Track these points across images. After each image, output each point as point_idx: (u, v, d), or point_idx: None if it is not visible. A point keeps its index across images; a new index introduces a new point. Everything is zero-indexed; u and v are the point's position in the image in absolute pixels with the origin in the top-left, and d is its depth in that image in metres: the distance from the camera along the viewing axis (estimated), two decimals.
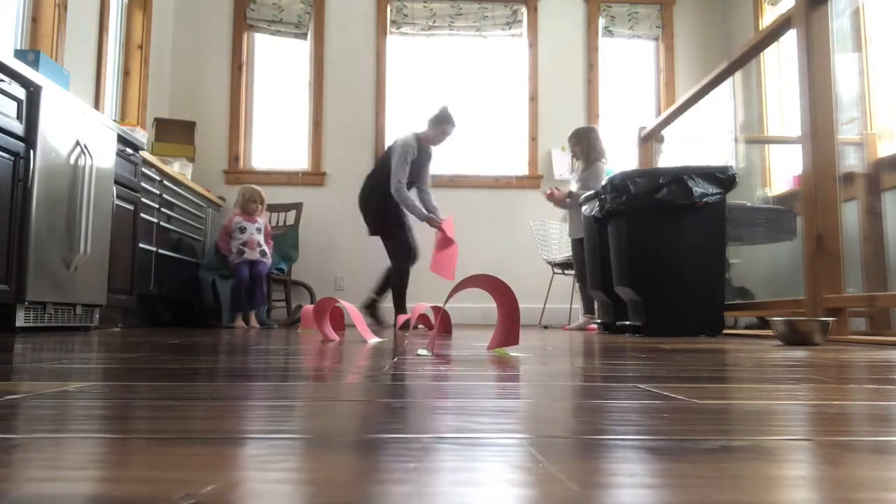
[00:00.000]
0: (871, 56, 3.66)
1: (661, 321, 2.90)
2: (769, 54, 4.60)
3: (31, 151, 2.50)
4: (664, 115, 4.38)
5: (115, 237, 3.15)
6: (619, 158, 5.27)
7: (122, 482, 0.35)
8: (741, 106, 5.02)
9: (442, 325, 2.66)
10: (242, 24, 5.38)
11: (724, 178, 2.93)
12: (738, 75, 4.03)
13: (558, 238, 4.95)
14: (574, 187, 4.08)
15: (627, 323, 3.10)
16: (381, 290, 4.33)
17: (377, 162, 4.33)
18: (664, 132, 4.60)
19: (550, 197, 4.09)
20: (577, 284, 4.13)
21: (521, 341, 2.04)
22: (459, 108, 5.53)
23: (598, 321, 3.70)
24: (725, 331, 3.12)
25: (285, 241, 4.80)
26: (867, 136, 3.56)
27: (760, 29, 4.63)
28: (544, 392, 0.76)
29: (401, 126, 5.45)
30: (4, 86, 2.36)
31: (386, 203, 4.08)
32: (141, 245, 3.58)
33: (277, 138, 5.47)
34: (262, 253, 4.27)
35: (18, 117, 2.46)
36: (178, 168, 4.46)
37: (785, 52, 4.37)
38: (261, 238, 4.29)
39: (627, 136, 5.04)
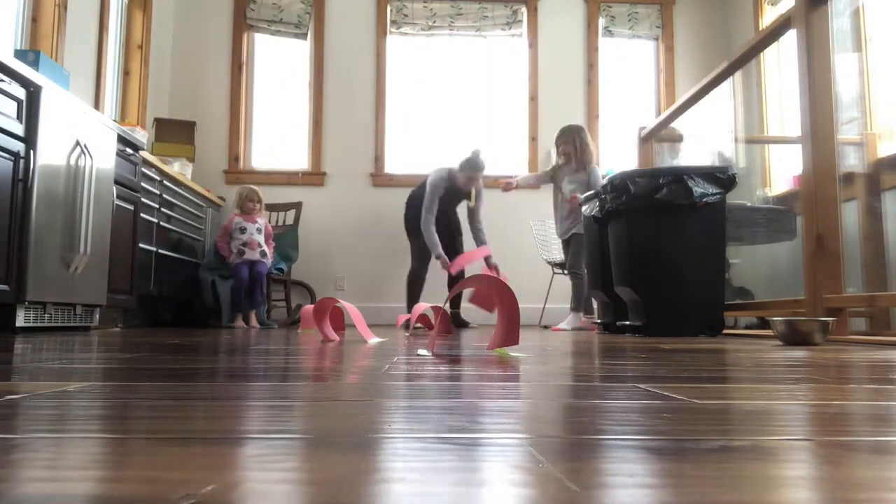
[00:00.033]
0: (871, 56, 3.66)
1: (661, 321, 2.90)
2: (769, 54, 4.60)
3: (31, 151, 2.50)
4: (664, 115, 4.38)
5: (115, 237, 3.15)
6: (620, 158, 5.28)
7: (122, 482, 0.35)
8: (741, 106, 5.02)
9: (442, 325, 2.66)
10: (242, 24, 5.38)
11: (724, 178, 2.93)
12: (738, 75, 4.03)
13: (558, 238, 4.95)
14: (568, 189, 4.06)
15: (627, 323, 3.10)
16: (454, 302, 4.52)
17: (416, 189, 4.56)
18: (682, 130, 4.60)
19: (573, 205, 4.02)
20: (572, 278, 4.09)
21: (521, 341, 2.04)
22: (459, 108, 5.56)
23: (598, 320, 3.69)
24: (725, 331, 3.12)
25: (285, 241, 4.80)
26: (867, 136, 3.56)
27: (760, 29, 4.63)
28: (544, 392, 0.76)
29: (401, 126, 5.46)
30: (4, 86, 2.36)
31: (419, 215, 4.37)
32: (141, 245, 3.58)
33: (277, 138, 5.47)
34: (263, 253, 4.27)
35: (18, 117, 2.46)
36: (178, 168, 4.46)
37: (785, 52, 4.37)
38: (261, 238, 4.29)
39: (627, 136, 5.03)
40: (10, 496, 0.31)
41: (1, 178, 2.36)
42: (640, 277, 2.97)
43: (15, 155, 2.43)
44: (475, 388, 0.80)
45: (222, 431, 0.50)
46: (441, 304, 1.78)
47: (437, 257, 4.22)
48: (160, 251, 3.89)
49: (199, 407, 0.63)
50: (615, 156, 5.39)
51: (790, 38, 2.78)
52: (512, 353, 1.44)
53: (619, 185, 2.97)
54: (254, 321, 4.17)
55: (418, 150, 5.47)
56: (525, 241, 5.03)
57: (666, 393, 0.76)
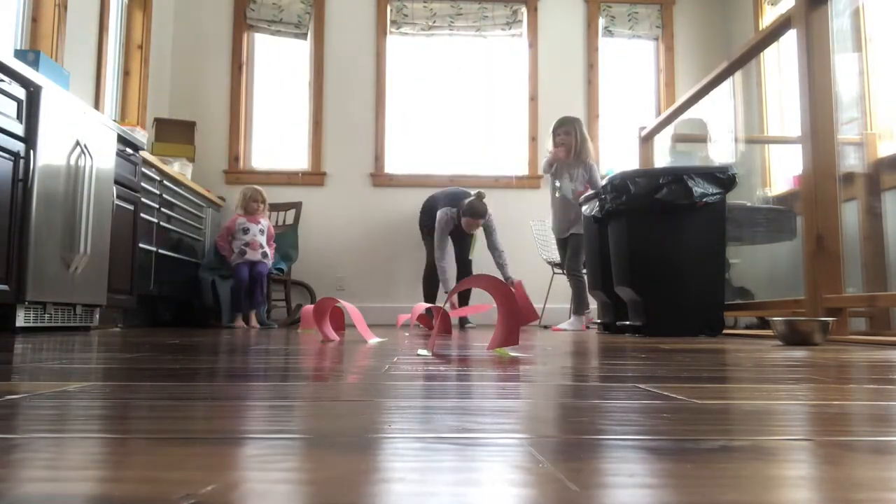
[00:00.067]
0: (871, 56, 3.66)
1: (661, 321, 2.90)
2: (769, 54, 4.60)
3: (31, 151, 2.50)
4: (664, 115, 4.38)
5: (115, 237, 3.15)
6: (620, 158, 5.28)
7: (122, 482, 0.35)
8: (741, 106, 5.02)
9: (442, 325, 2.66)
10: (242, 24, 5.38)
11: (724, 178, 2.93)
12: (738, 75, 4.03)
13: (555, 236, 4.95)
14: (568, 185, 4.02)
15: (627, 323, 3.10)
16: (460, 303, 4.65)
17: (429, 199, 4.70)
18: (709, 127, 4.61)
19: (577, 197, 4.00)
20: (571, 281, 4.08)
21: (521, 341, 2.04)
22: (459, 108, 5.56)
23: (598, 321, 3.69)
24: (725, 331, 3.12)
25: (285, 241, 4.80)
26: (867, 136, 3.56)
27: (760, 29, 4.63)
28: (544, 392, 0.76)
29: (401, 126, 5.46)
30: (4, 86, 2.36)
31: (433, 219, 4.54)
32: (141, 245, 3.58)
33: (277, 138, 5.47)
34: (264, 254, 4.27)
35: (18, 117, 2.46)
36: (178, 168, 4.46)
37: (785, 52, 4.37)
38: (263, 239, 4.29)
39: (627, 136, 5.03)
40: (10, 496, 0.31)
41: (1, 178, 2.36)
42: (640, 277, 2.97)
43: (15, 155, 2.43)
44: (475, 388, 0.80)
45: (222, 431, 0.50)
46: (441, 305, 1.78)
47: (446, 292, 4.32)
48: (160, 251, 3.89)
49: (199, 407, 0.63)
50: (615, 156, 5.39)
51: (790, 38, 2.78)
52: (512, 353, 1.44)
53: (619, 185, 2.97)
54: (254, 321, 4.17)
55: (418, 150, 5.47)
56: (525, 241, 5.03)
57: (666, 393, 0.76)
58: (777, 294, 3.84)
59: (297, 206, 5.07)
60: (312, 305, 2.47)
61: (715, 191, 2.90)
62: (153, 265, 3.80)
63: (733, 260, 4.31)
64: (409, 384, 0.83)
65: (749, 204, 4.12)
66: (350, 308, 2.12)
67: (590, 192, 3.78)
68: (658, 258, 2.94)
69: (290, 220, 5.06)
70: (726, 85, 3.80)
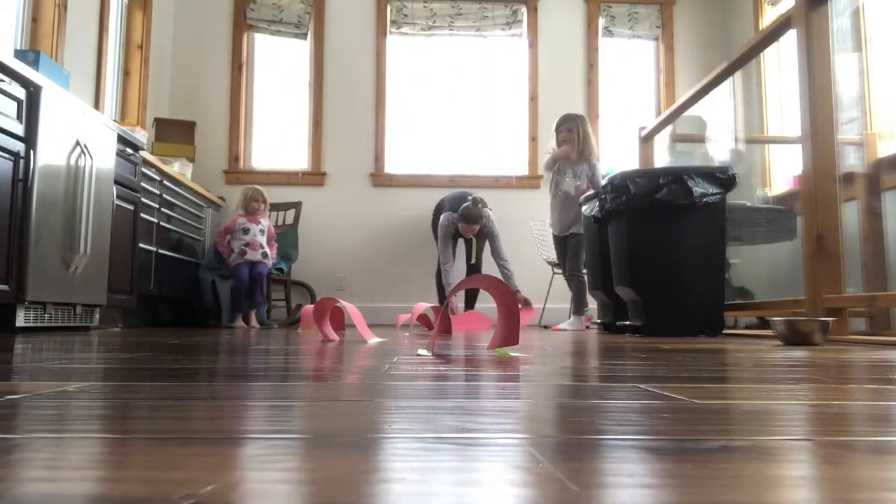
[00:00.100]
0: (871, 56, 3.66)
1: (661, 321, 2.90)
2: (769, 54, 4.60)
3: (31, 151, 2.50)
4: (664, 115, 4.38)
5: (115, 237, 3.15)
6: (620, 158, 5.28)
7: (122, 482, 0.35)
8: (741, 106, 5.02)
9: (442, 325, 2.66)
10: (242, 24, 5.38)
11: (724, 178, 2.93)
12: (738, 75, 4.03)
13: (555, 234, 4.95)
14: (571, 183, 4.01)
15: (627, 323, 3.10)
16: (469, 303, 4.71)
17: (438, 206, 4.79)
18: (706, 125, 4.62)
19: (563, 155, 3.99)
20: (571, 282, 4.08)
21: (521, 341, 2.04)
22: (459, 108, 5.56)
23: (598, 321, 3.69)
24: (725, 331, 3.12)
25: (285, 241, 4.80)
26: (867, 136, 3.56)
27: (760, 29, 4.63)
28: (544, 392, 0.76)
29: (401, 126, 5.46)
30: (4, 86, 2.36)
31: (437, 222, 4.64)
32: (141, 245, 3.58)
33: (277, 138, 5.47)
34: (264, 255, 4.27)
35: (18, 117, 2.46)
36: (178, 168, 4.46)
37: (785, 52, 4.37)
38: (263, 240, 4.29)
39: (627, 136, 5.03)
40: (10, 496, 0.31)
41: (1, 178, 2.36)
42: (640, 277, 2.97)
43: (15, 155, 2.43)
44: (475, 388, 0.80)
45: (222, 431, 0.50)
46: (441, 305, 1.78)
47: (447, 294, 4.38)
48: (160, 251, 3.89)
49: (199, 407, 0.63)
50: (615, 156, 5.39)
51: (790, 38, 2.78)
52: (512, 353, 1.44)
53: (619, 185, 2.97)
54: (254, 321, 4.17)
55: (418, 150, 5.47)
56: (525, 241, 5.03)
57: (666, 393, 0.76)
58: (777, 294, 3.84)
59: (297, 206, 5.07)
60: (312, 305, 2.47)
61: (715, 191, 2.90)
62: (153, 265, 3.80)
63: (733, 260, 4.32)
64: (409, 384, 0.83)
65: (749, 204, 4.12)
66: (350, 308, 2.12)
67: (591, 191, 3.79)
68: (658, 258, 2.94)
69: (290, 220, 5.06)
70: (726, 85, 3.80)
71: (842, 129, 3.33)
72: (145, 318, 4.03)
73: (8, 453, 0.41)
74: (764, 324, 3.62)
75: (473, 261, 4.63)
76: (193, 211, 4.47)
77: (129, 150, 3.37)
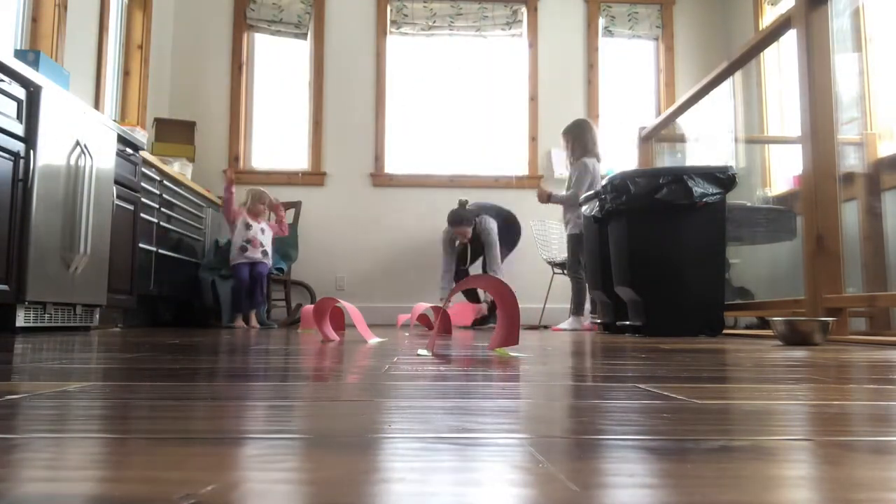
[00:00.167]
0: (871, 56, 3.66)
1: (661, 321, 2.90)
2: (769, 54, 4.59)
3: (31, 151, 2.50)
4: (664, 115, 4.38)
5: (115, 237, 3.15)
6: (620, 158, 5.28)
7: (122, 482, 0.35)
8: (741, 106, 5.02)
9: (442, 325, 2.66)
10: (242, 24, 5.38)
11: (724, 178, 2.93)
12: (738, 75, 4.03)
13: (558, 238, 4.95)
14: (565, 187, 4.08)
15: (627, 323, 3.10)
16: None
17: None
18: (685, 130, 4.62)
19: (538, 192, 4.11)
20: (571, 281, 4.10)
21: (521, 341, 2.04)
22: (459, 108, 5.56)
23: (598, 321, 3.69)
24: (725, 331, 3.12)
25: (285, 241, 4.80)
26: (867, 136, 3.56)
27: (760, 29, 4.63)
28: (544, 392, 0.76)
29: (401, 126, 5.46)
30: (4, 86, 2.36)
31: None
32: (141, 245, 3.58)
33: (277, 138, 5.47)
34: (264, 253, 4.28)
35: (18, 117, 2.46)
36: (178, 168, 4.46)
37: (785, 52, 4.37)
38: (264, 239, 4.30)
39: (627, 136, 5.04)
40: (10, 496, 0.31)
41: (1, 178, 2.36)
42: (640, 277, 2.97)
43: (15, 155, 2.43)
44: (475, 388, 0.80)
45: (222, 431, 0.50)
46: (441, 305, 1.78)
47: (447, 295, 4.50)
48: (160, 251, 3.89)
49: (199, 407, 0.63)
50: (615, 156, 5.39)
51: (790, 38, 2.78)
52: (512, 353, 1.44)
53: (619, 185, 2.97)
54: (254, 321, 4.17)
55: (418, 150, 5.47)
56: (525, 241, 5.03)
57: (666, 393, 0.76)
58: (777, 294, 3.84)
59: (297, 205, 5.07)
60: (312, 305, 2.47)
61: (715, 191, 2.90)
62: (153, 265, 3.80)
63: (733, 260, 4.32)
64: (409, 384, 0.83)
65: (749, 204, 4.12)
66: (350, 308, 2.12)
67: (556, 193, 4.02)
68: (658, 258, 2.94)
69: (290, 220, 5.06)
70: (726, 85, 3.80)
71: (842, 129, 3.33)
72: (145, 318, 4.03)
73: (8, 453, 0.41)
74: (764, 324, 3.62)
75: (465, 265, 4.65)
76: (193, 211, 4.47)
77: (129, 150, 3.37)
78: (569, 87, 5.48)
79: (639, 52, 5.73)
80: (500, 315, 1.48)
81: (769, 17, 4.91)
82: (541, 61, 5.49)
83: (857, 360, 1.39)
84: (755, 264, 4.55)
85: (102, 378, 0.88)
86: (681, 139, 4.78)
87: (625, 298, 3.14)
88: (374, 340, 2.05)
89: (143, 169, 3.61)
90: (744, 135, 4.99)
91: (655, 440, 0.47)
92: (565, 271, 4.45)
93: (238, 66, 5.35)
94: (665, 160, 4.67)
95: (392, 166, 5.39)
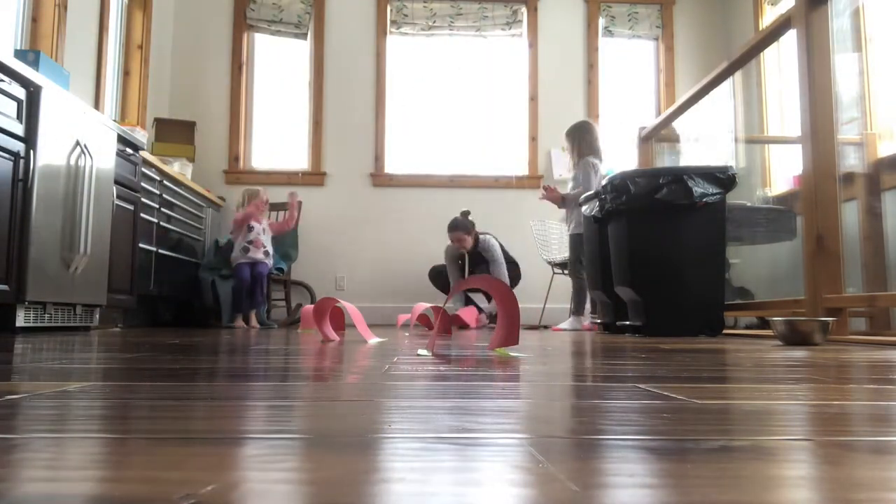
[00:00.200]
0: (871, 56, 3.66)
1: (661, 321, 2.90)
2: (769, 54, 4.59)
3: (31, 151, 2.50)
4: (664, 115, 4.38)
5: (115, 237, 3.15)
6: (620, 158, 5.28)
7: (122, 482, 0.35)
8: (741, 106, 5.02)
9: (442, 325, 2.66)
10: (242, 24, 5.38)
11: (724, 178, 2.93)
12: (738, 75, 4.03)
13: (558, 238, 4.95)
14: (570, 186, 4.09)
15: (627, 323, 3.10)
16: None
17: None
18: (682, 130, 4.63)
19: (547, 196, 4.09)
20: (572, 281, 4.11)
21: (521, 341, 2.04)
22: (459, 108, 5.56)
23: (598, 321, 3.69)
24: (725, 331, 3.12)
25: (285, 241, 4.80)
26: (867, 136, 3.56)
27: (760, 29, 4.63)
28: (544, 392, 0.76)
29: (401, 126, 5.46)
30: (4, 86, 2.36)
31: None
32: (141, 245, 3.58)
33: (277, 138, 5.47)
34: (266, 253, 4.28)
35: (18, 117, 2.46)
36: (178, 168, 4.46)
37: (785, 52, 4.37)
38: (265, 239, 4.30)
39: (627, 136, 5.04)
40: (10, 496, 0.31)
41: (1, 178, 2.36)
42: (640, 277, 2.97)
43: (15, 155, 2.43)
44: (475, 388, 0.80)
45: (222, 431, 0.50)
46: (441, 305, 1.78)
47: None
48: (160, 251, 3.89)
49: (199, 407, 0.63)
50: (615, 156, 5.39)
51: (790, 38, 2.78)
52: (512, 353, 1.44)
53: (619, 185, 2.97)
54: (254, 321, 4.17)
55: (418, 150, 5.47)
56: (525, 241, 5.03)
57: (666, 393, 0.76)
58: (777, 294, 3.84)
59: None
60: (312, 305, 2.47)
61: (715, 191, 2.90)
62: (153, 265, 3.80)
63: (733, 260, 4.31)
64: (409, 384, 0.83)
65: (749, 204, 4.12)
66: (350, 308, 2.12)
67: (561, 190, 4.01)
68: (658, 258, 2.94)
69: None
70: (726, 85, 3.80)
71: (842, 129, 3.33)
72: (145, 318, 4.03)
73: (8, 453, 0.41)
74: (764, 324, 3.62)
75: (464, 277, 4.69)
76: (193, 211, 4.47)
77: (129, 150, 3.37)
78: (569, 87, 5.48)
79: (639, 52, 5.73)
80: (500, 315, 1.48)
81: (769, 17, 4.91)
82: (541, 61, 5.49)
83: (857, 360, 1.39)
84: (755, 264, 4.55)
85: (102, 378, 0.88)
86: (679, 139, 4.78)
87: (625, 298, 3.14)
88: (374, 340, 2.05)
89: (143, 169, 3.61)
90: (744, 135, 4.99)
91: (655, 440, 0.47)
92: (566, 271, 4.46)
93: (238, 66, 5.35)
94: (665, 160, 4.67)
95: (392, 166, 5.39)
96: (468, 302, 4.73)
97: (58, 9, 3.60)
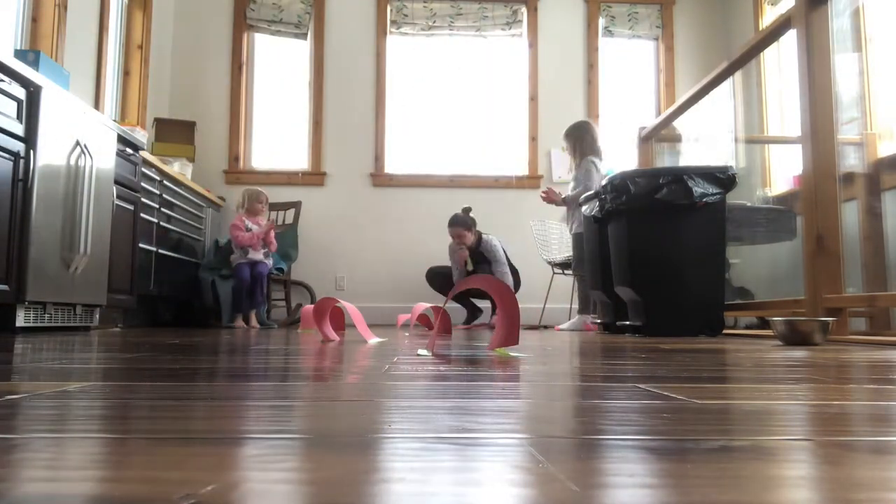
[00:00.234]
0: (871, 56, 3.66)
1: (661, 321, 2.90)
2: (769, 54, 4.59)
3: (31, 151, 2.50)
4: (664, 115, 4.38)
5: (115, 237, 3.15)
6: (620, 158, 5.28)
7: (122, 482, 0.35)
8: (741, 106, 5.02)
9: (442, 325, 2.66)
10: (242, 24, 5.38)
11: (724, 178, 2.93)
12: (738, 75, 4.03)
13: (558, 238, 4.95)
14: (570, 186, 4.09)
15: (627, 323, 3.10)
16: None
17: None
18: (684, 130, 4.63)
19: (547, 199, 4.10)
20: (575, 281, 4.12)
21: (521, 341, 2.04)
22: (459, 108, 5.56)
23: (598, 321, 3.69)
24: (725, 331, 3.12)
25: (285, 241, 4.80)
26: (867, 136, 3.56)
27: (760, 29, 4.63)
28: (544, 392, 0.76)
29: (401, 126, 5.46)
30: (4, 86, 2.36)
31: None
32: (141, 245, 3.58)
33: (277, 138, 5.48)
34: (266, 254, 4.28)
35: (18, 117, 2.46)
36: (178, 168, 4.46)
37: (785, 52, 4.37)
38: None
39: (627, 136, 5.03)
40: (10, 496, 0.31)
41: (1, 178, 2.36)
42: (640, 277, 2.97)
43: (15, 155, 2.43)
44: (475, 388, 0.80)
45: (222, 431, 0.50)
46: (441, 305, 1.78)
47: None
48: (160, 251, 3.89)
49: (199, 407, 0.63)
50: (615, 156, 5.39)
51: (790, 38, 2.78)
52: (512, 353, 1.44)
53: (619, 185, 2.97)
54: (254, 321, 4.17)
55: (418, 150, 5.47)
56: (525, 241, 5.03)
57: (666, 393, 0.76)
58: (777, 294, 3.84)
59: (296, 205, 5.07)
60: (312, 305, 2.47)
61: (715, 191, 2.90)
62: (153, 265, 3.80)
63: (733, 260, 4.31)
64: (409, 384, 0.83)
65: (749, 204, 4.12)
66: (350, 308, 2.12)
67: (569, 192, 4.00)
68: (658, 258, 2.94)
69: (289, 220, 5.06)
70: (726, 85, 3.80)
71: (842, 129, 3.33)
72: (145, 318, 4.03)
73: (8, 453, 0.41)
74: (764, 324, 3.62)
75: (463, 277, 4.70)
76: (193, 211, 4.47)
77: (129, 150, 3.37)
78: (569, 87, 5.48)
79: (639, 52, 5.73)
80: (500, 315, 1.48)
81: (769, 17, 4.91)
82: (541, 61, 5.49)
83: (857, 360, 1.39)
84: (755, 264, 4.55)
85: (102, 378, 0.88)
86: (681, 139, 4.78)
87: (625, 298, 3.14)
88: (374, 340, 2.05)
89: (143, 169, 3.61)
90: (744, 135, 4.99)
91: (655, 440, 0.47)
92: (568, 270, 4.46)
93: (238, 66, 5.35)
94: (665, 160, 4.67)
95: (392, 166, 5.39)
96: (468, 303, 4.74)
97: (58, 9, 3.60)
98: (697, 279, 2.92)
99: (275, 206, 4.99)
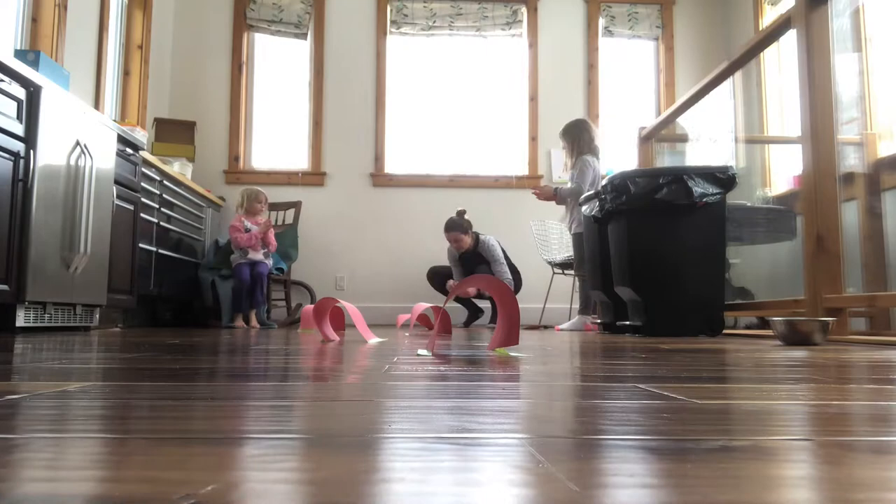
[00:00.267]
0: (871, 56, 3.66)
1: (661, 321, 2.90)
2: (769, 54, 4.60)
3: (31, 151, 2.50)
4: (664, 115, 4.38)
5: (115, 237, 3.15)
6: (620, 158, 5.28)
7: (122, 482, 0.35)
8: (741, 106, 5.02)
9: (442, 325, 2.66)
10: (242, 24, 5.38)
11: (724, 178, 2.93)
12: (738, 75, 4.03)
13: (558, 238, 4.95)
14: (569, 185, 4.09)
15: (627, 323, 3.10)
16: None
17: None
18: (690, 129, 4.64)
19: (539, 196, 4.10)
20: (576, 281, 4.12)
21: (521, 341, 2.04)
22: (459, 108, 5.56)
23: (598, 321, 3.69)
24: (725, 331, 3.12)
25: (285, 241, 4.80)
26: (867, 136, 3.56)
27: (760, 29, 4.63)
28: (544, 392, 0.76)
29: (401, 126, 5.46)
30: (4, 86, 2.36)
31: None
32: (141, 245, 3.58)
33: (277, 138, 5.48)
34: (266, 254, 4.28)
35: (18, 117, 2.46)
36: (178, 168, 4.46)
37: (785, 52, 4.37)
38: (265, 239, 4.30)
39: (627, 136, 5.03)
40: (10, 496, 0.31)
41: (1, 178, 2.36)
42: (640, 277, 2.97)
43: (15, 155, 2.43)
44: (475, 388, 0.80)
45: (222, 431, 0.50)
46: (441, 305, 1.78)
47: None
48: (160, 251, 3.89)
49: (199, 407, 0.63)
50: (615, 156, 5.39)
51: (790, 38, 2.78)
52: (512, 353, 1.44)
53: (619, 185, 2.97)
54: (254, 321, 4.17)
55: (418, 150, 5.47)
56: (525, 241, 5.03)
57: (666, 393, 0.76)
58: (777, 294, 3.84)
59: (296, 205, 5.07)
60: (312, 305, 2.47)
61: (715, 191, 2.90)
62: (153, 265, 3.80)
63: (733, 260, 4.31)
64: (409, 384, 0.83)
65: (749, 204, 4.12)
66: (350, 308, 2.12)
67: (549, 187, 4.05)
68: (658, 258, 2.94)
69: (289, 220, 5.06)
70: (726, 85, 3.80)
71: (842, 129, 3.33)
72: (145, 318, 4.03)
73: (8, 453, 0.41)
74: (764, 324, 3.62)
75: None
76: (193, 211, 4.47)
77: (129, 150, 3.37)
78: (569, 87, 5.48)
79: (639, 52, 5.73)
80: (500, 315, 1.48)
81: (769, 17, 4.91)
82: (541, 61, 5.49)
83: (857, 360, 1.39)
84: (755, 264, 4.55)
85: (102, 378, 0.88)
86: (681, 139, 4.79)
87: (625, 298, 3.14)
88: (374, 340, 2.05)
89: (143, 169, 3.61)
90: (744, 135, 4.99)
91: (655, 440, 0.47)
92: (568, 270, 4.46)
93: (238, 66, 5.35)
94: (665, 160, 4.67)
95: (392, 166, 5.39)
96: (469, 303, 4.75)
97: (58, 9, 3.60)
98: (697, 279, 2.92)
99: (275, 206, 4.99)
